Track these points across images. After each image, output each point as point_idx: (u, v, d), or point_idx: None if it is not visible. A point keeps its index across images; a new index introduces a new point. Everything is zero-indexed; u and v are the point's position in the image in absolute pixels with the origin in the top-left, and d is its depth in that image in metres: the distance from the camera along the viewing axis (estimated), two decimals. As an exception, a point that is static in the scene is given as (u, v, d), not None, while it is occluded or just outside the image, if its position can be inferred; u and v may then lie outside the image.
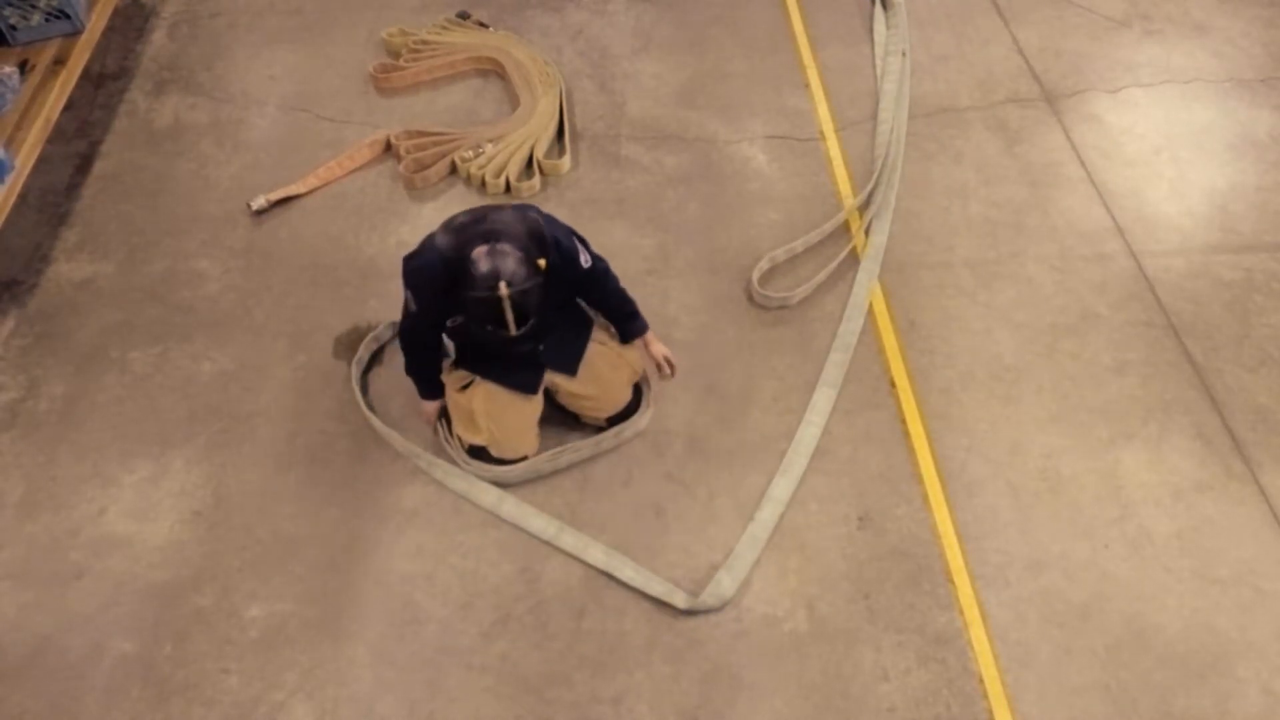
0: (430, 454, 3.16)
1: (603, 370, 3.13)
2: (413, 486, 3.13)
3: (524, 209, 2.74)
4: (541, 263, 2.60)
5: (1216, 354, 3.49)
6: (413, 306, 2.80)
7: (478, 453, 3.09)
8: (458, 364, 3.11)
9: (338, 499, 3.10)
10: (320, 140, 4.31)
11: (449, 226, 2.69)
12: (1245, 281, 3.73)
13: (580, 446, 3.15)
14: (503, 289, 2.50)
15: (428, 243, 2.75)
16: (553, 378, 3.09)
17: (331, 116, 4.43)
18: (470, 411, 3.03)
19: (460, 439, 3.12)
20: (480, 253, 2.53)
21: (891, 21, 4.87)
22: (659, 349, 3.20)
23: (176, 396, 3.37)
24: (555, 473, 3.14)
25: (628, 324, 3.15)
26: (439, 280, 2.67)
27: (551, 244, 2.71)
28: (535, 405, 3.09)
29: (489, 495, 3.07)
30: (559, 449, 3.13)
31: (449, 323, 2.87)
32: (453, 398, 3.10)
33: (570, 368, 3.08)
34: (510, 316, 2.55)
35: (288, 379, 3.42)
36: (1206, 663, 2.75)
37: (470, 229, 2.62)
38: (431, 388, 3.12)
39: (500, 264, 2.51)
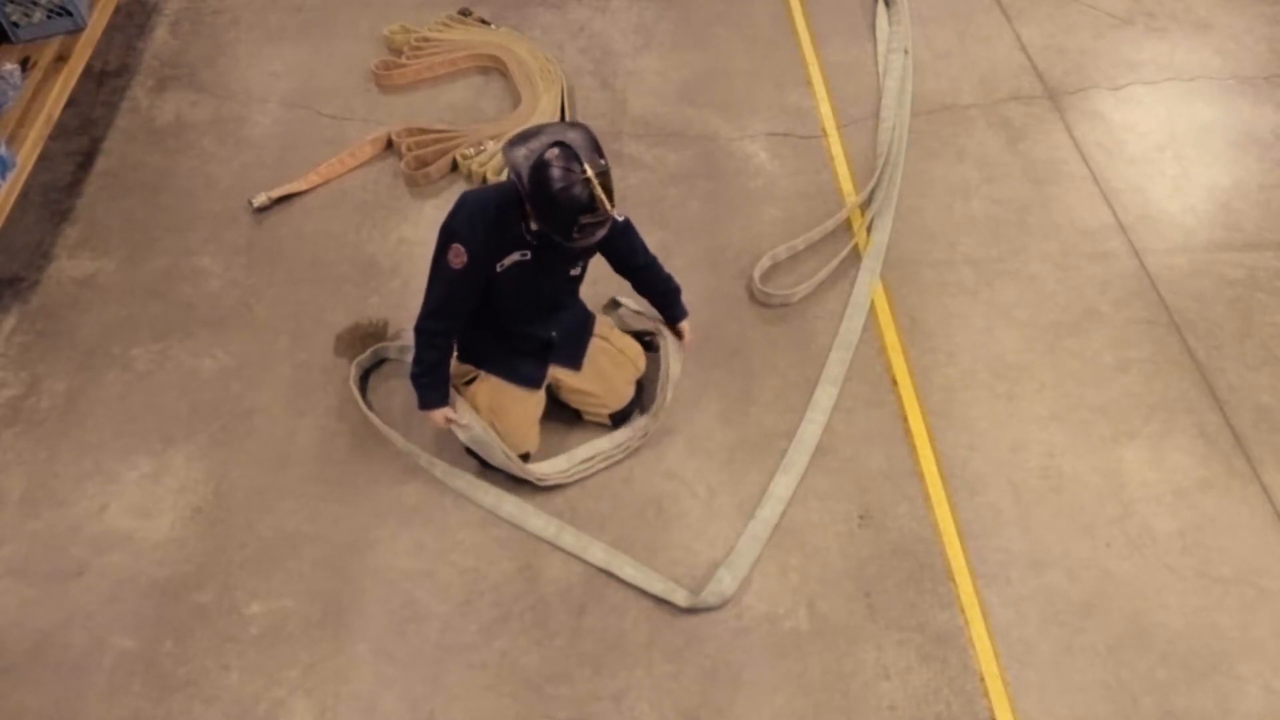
0: (429, 453, 3.16)
1: (605, 366, 3.13)
2: (413, 484, 3.13)
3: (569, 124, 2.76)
4: (603, 161, 2.64)
5: (1219, 352, 3.48)
6: (457, 263, 2.71)
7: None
8: (463, 358, 3.10)
9: (338, 496, 3.10)
10: (322, 137, 4.30)
11: (516, 144, 2.65)
12: (1248, 280, 3.72)
13: (611, 453, 3.14)
14: (588, 170, 2.54)
15: (468, 194, 2.76)
16: (556, 373, 3.09)
17: (333, 113, 4.42)
18: (474, 406, 3.03)
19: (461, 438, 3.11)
20: (553, 153, 2.56)
21: (894, 18, 4.86)
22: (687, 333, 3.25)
23: (178, 393, 3.37)
24: (587, 478, 3.13)
25: (674, 300, 3.16)
26: (490, 215, 2.70)
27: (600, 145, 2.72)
28: (538, 401, 3.09)
29: (489, 495, 3.07)
30: (590, 458, 3.11)
31: (498, 267, 2.80)
32: (456, 392, 3.09)
33: (575, 362, 3.09)
34: (602, 195, 2.56)
35: (289, 376, 3.42)
36: (1208, 661, 2.74)
37: (537, 140, 2.62)
38: (437, 390, 2.95)
39: (577, 153, 2.56)
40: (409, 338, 3.43)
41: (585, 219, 2.58)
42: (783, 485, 3.10)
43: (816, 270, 3.72)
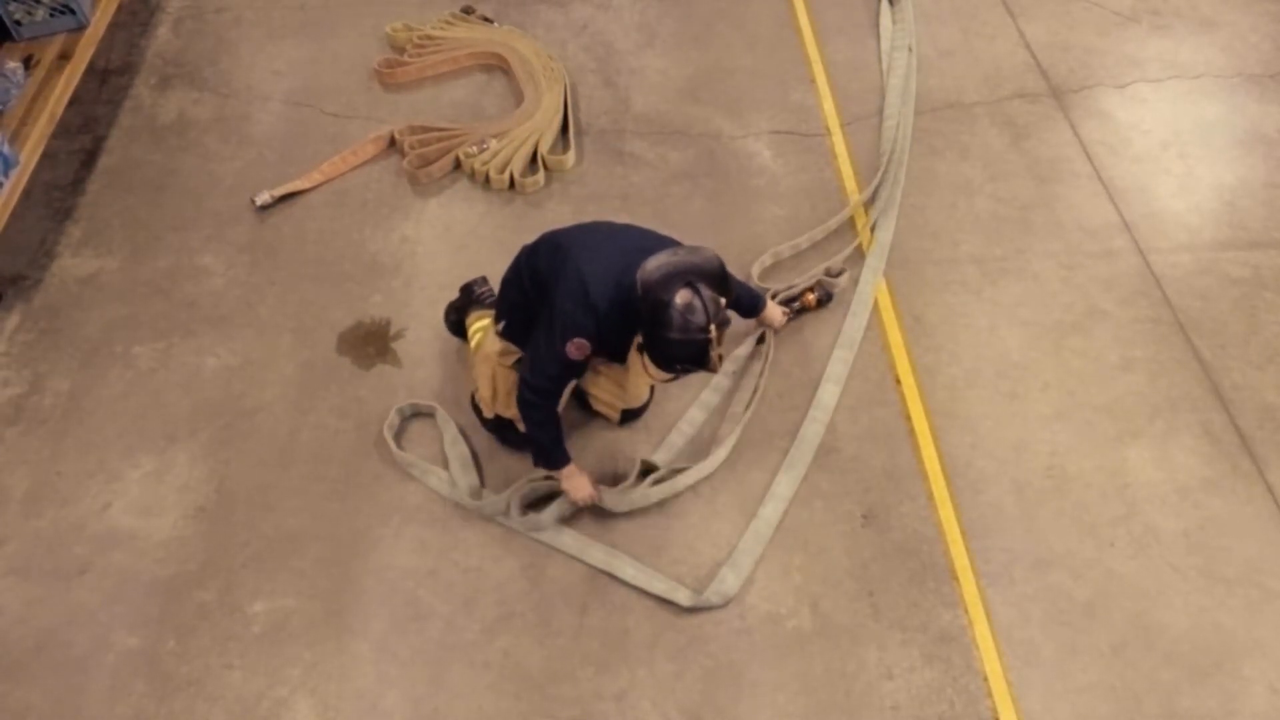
0: (425, 462, 3.13)
1: (634, 360, 3.10)
2: (416, 482, 3.13)
3: (697, 248, 2.72)
4: (723, 300, 2.62)
5: (1224, 351, 3.47)
6: (578, 355, 2.68)
7: (502, 424, 3.10)
8: (506, 336, 3.02)
9: (341, 494, 3.10)
10: (324, 135, 4.30)
11: (648, 263, 2.58)
12: (1253, 278, 3.70)
13: (677, 483, 3.08)
14: (713, 331, 2.53)
15: (592, 293, 2.66)
16: (594, 362, 3.02)
17: (336, 112, 4.42)
18: (510, 385, 3.00)
19: (483, 405, 3.12)
20: (684, 297, 2.52)
21: (897, 16, 4.85)
22: (776, 316, 3.36)
23: (180, 392, 3.37)
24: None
25: (751, 306, 3.29)
26: (615, 319, 2.66)
27: (725, 279, 2.68)
28: (568, 389, 3.08)
29: (490, 502, 3.03)
30: (664, 481, 3.06)
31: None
32: (499, 371, 3.05)
33: (622, 356, 3.03)
34: (715, 357, 2.58)
35: (291, 374, 3.42)
36: (1212, 661, 2.73)
37: (670, 264, 2.56)
38: (564, 451, 2.94)
39: (708, 305, 2.53)
40: (413, 356, 3.44)
41: (689, 366, 2.61)
42: (785, 484, 3.10)
43: (812, 265, 3.71)
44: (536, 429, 2.88)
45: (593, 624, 2.82)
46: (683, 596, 2.83)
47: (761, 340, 3.46)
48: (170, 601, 2.86)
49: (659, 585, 2.86)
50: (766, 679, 2.71)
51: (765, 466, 3.16)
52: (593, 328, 2.66)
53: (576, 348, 2.68)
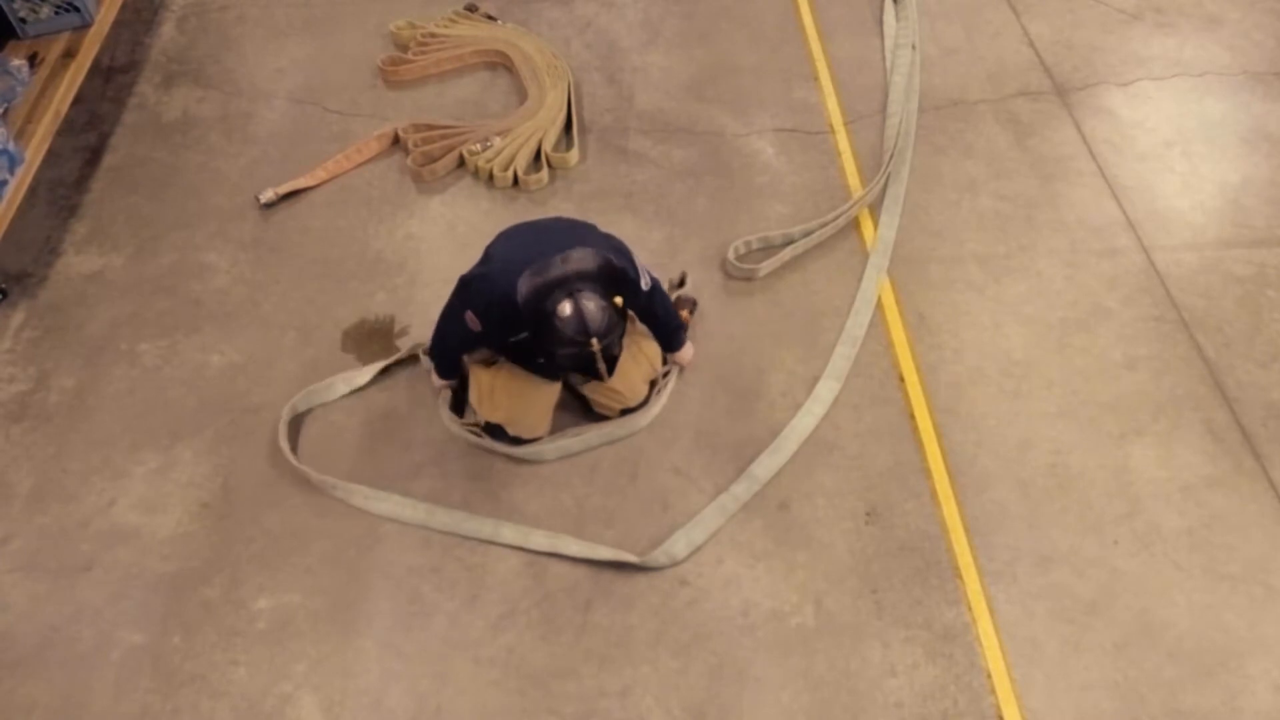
0: (347, 483, 3.08)
1: (625, 362, 3.11)
2: (419, 480, 3.13)
3: (594, 243, 2.74)
4: (619, 300, 2.60)
5: (1228, 349, 3.47)
6: (474, 326, 2.80)
7: (494, 430, 3.11)
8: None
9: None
10: (328, 133, 4.31)
11: (526, 272, 2.59)
12: (1257, 276, 3.70)
13: (588, 433, 3.16)
14: (595, 344, 2.51)
15: (495, 273, 2.72)
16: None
17: (339, 109, 4.43)
18: (492, 388, 3.05)
19: (477, 415, 3.15)
20: (565, 307, 2.51)
21: (901, 14, 4.85)
22: (687, 356, 3.34)
23: (185, 389, 3.38)
24: (567, 456, 3.16)
25: (674, 337, 3.26)
26: (509, 318, 2.68)
27: (622, 277, 2.69)
28: (554, 389, 3.11)
29: (418, 510, 3.02)
30: (578, 430, 3.17)
31: (510, 339, 2.86)
32: (475, 373, 3.11)
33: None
34: (603, 366, 2.60)
35: (295, 372, 3.42)
36: (1216, 659, 2.73)
37: (547, 276, 2.57)
38: (453, 371, 3.18)
39: (588, 317, 2.51)
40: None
41: (580, 373, 2.66)
42: (763, 467, 3.11)
43: (817, 263, 3.72)
44: (432, 352, 3.14)
45: (596, 621, 2.82)
46: (630, 558, 2.87)
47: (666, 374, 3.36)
48: (175, 598, 2.87)
49: (604, 553, 2.89)
50: (770, 676, 2.71)
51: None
52: (481, 310, 2.76)
53: (470, 320, 2.79)
